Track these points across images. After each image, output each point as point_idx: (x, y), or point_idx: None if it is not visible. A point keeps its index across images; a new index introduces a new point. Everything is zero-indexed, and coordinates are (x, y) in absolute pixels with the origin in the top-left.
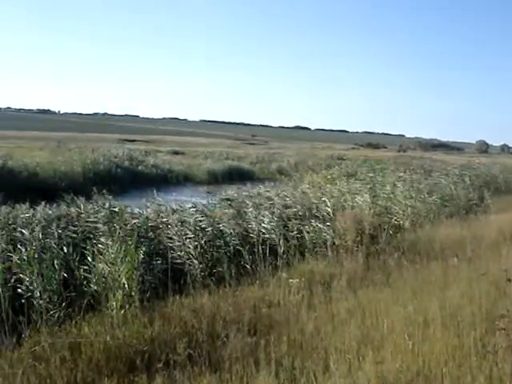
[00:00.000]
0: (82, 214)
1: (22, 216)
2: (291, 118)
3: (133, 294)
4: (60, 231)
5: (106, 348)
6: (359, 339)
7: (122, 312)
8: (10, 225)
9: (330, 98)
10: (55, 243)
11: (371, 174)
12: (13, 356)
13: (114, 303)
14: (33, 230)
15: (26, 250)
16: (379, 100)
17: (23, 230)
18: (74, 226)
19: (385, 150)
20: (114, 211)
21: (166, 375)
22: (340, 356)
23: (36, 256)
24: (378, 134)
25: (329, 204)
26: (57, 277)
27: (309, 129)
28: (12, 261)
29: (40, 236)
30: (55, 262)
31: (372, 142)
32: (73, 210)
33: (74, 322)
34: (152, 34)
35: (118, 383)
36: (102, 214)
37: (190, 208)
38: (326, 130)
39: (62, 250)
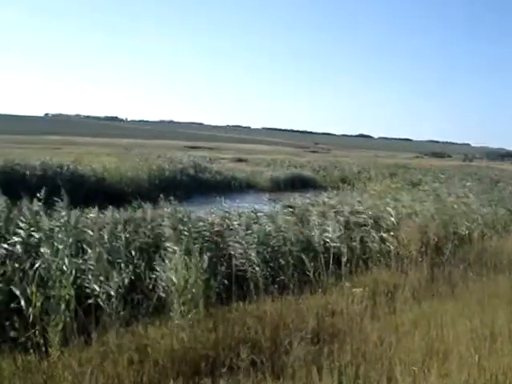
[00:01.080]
0: (148, 218)
1: (89, 220)
2: (354, 127)
3: (198, 298)
4: (127, 235)
5: (172, 351)
6: (424, 351)
7: (188, 316)
8: (76, 228)
9: (395, 107)
10: (123, 246)
11: (436, 184)
12: (81, 355)
13: (180, 307)
14: (100, 234)
15: (95, 252)
16: (444, 109)
17: (90, 232)
18: (137, 231)
19: (449, 159)
20: (180, 217)
21: (229, 380)
22: (404, 367)
23: (104, 258)
24: (442, 142)
25: (393, 213)
26: (125, 280)
27: (372, 137)
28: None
29: (106, 239)
30: (122, 265)
31: (436, 150)
32: (139, 214)
33: (140, 324)
34: (218, 45)
35: None
36: (169, 219)
37: (254, 214)
38: (390, 139)
39: (130, 253)
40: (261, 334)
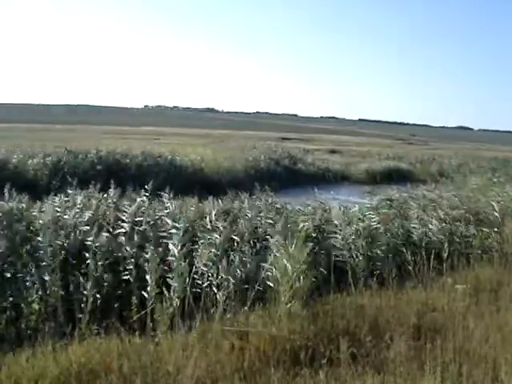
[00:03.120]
0: (247, 209)
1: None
2: (453, 118)
3: (298, 289)
4: (228, 226)
5: (272, 339)
6: None
7: (288, 306)
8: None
9: (497, 98)
10: (224, 237)
11: None
12: (186, 339)
13: (281, 297)
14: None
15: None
16: None
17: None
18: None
19: None
20: (277, 207)
21: (329, 372)
22: (510, 368)
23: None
24: None
25: (496, 208)
26: (236, 270)
27: (471, 129)
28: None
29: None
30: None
31: None
32: (236, 205)
33: (242, 311)
34: (318, 35)
35: (283, 374)
36: (268, 210)
37: (352, 205)
38: (491, 131)
39: (232, 244)
40: (360, 328)
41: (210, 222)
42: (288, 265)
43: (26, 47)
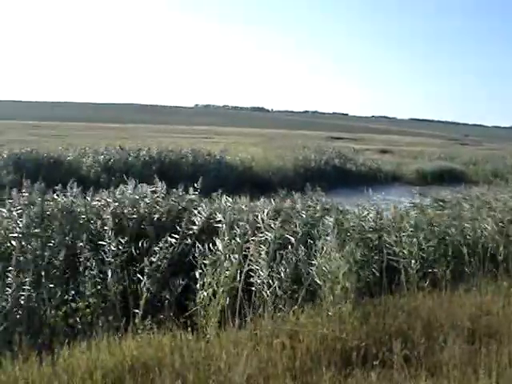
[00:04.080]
0: (298, 208)
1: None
2: (509, 117)
3: (349, 289)
4: (279, 225)
5: (323, 339)
6: None
7: (338, 306)
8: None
9: None
10: (275, 236)
11: None
12: (237, 337)
13: (331, 297)
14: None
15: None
16: None
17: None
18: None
19: None
20: (328, 208)
21: (381, 373)
22: None
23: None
24: None
25: None
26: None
27: None
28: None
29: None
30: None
31: None
32: (287, 204)
33: (292, 311)
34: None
35: (334, 374)
36: (318, 209)
37: (405, 206)
38: None
39: (281, 242)
40: (413, 329)
41: (262, 220)
42: (339, 265)
43: (81, 47)
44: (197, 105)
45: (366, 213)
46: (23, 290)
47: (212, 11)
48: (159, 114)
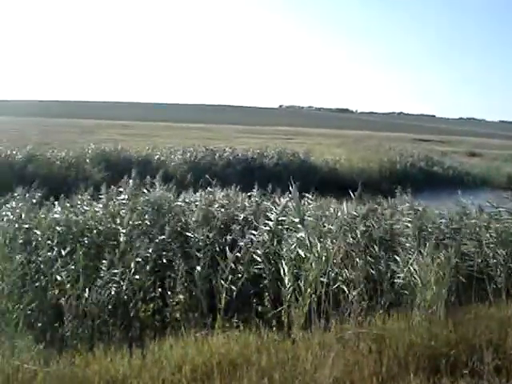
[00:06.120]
0: (388, 213)
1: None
2: None
3: (438, 296)
4: (364, 228)
5: (411, 345)
6: None
7: (429, 312)
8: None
9: None
10: (361, 239)
11: None
12: (322, 339)
13: (421, 303)
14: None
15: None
16: None
17: (331, 226)
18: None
19: None
20: (418, 210)
21: (470, 382)
22: None
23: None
24: None
25: None
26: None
27: None
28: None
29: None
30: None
31: None
32: (376, 206)
33: (378, 315)
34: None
35: (421, 381)
36: (409, 215)
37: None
38: None
39: (366, 246)
40: (504, 340)
41: (348, 223)
42: (434, 270)
43: (158, 47)
44: (281, 105)
45: (456, 217)
46: (118, 284)
47: (301, 13)
48: (245, 115)
